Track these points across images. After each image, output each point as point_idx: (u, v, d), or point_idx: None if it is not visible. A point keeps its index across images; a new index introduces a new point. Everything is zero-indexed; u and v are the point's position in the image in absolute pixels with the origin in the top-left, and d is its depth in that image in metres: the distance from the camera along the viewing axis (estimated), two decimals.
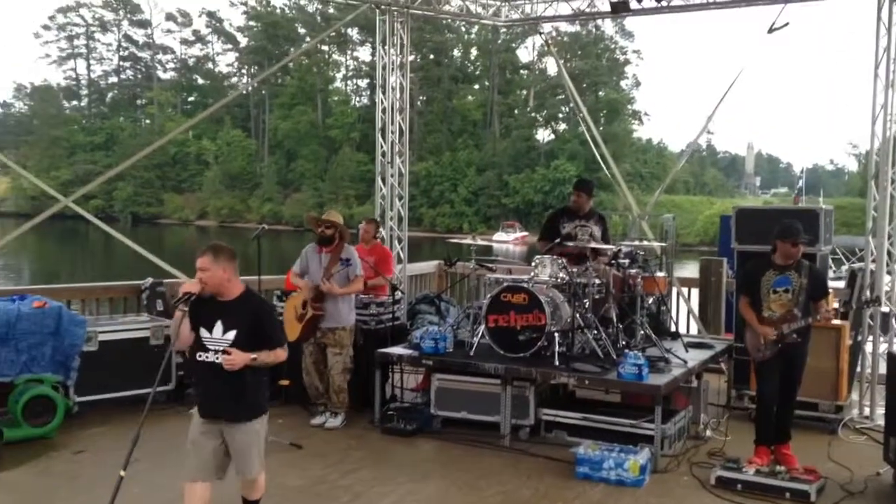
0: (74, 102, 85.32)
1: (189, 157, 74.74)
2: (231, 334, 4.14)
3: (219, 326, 4.15)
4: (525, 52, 73.92)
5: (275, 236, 48.81)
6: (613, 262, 7.10)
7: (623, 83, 70.60)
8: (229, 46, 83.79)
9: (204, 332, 4.18)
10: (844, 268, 15.68)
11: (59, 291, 7.82)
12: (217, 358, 4.14)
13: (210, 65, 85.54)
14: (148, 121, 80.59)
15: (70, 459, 6.04)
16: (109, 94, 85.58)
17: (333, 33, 69.47)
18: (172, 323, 4.33)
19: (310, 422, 6.97)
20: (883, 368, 7.41)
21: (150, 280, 8.16)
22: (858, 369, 7.50)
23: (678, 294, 9.23)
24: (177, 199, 74.49)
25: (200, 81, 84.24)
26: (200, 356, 4.21)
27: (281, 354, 4.26)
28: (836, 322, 6.81)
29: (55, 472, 5.77)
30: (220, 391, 4.18)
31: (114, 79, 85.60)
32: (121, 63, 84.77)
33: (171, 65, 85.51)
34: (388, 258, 8.32)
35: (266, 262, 6.92)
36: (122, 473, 3.95)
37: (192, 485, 4.24)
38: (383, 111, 9.31)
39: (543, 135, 69.63)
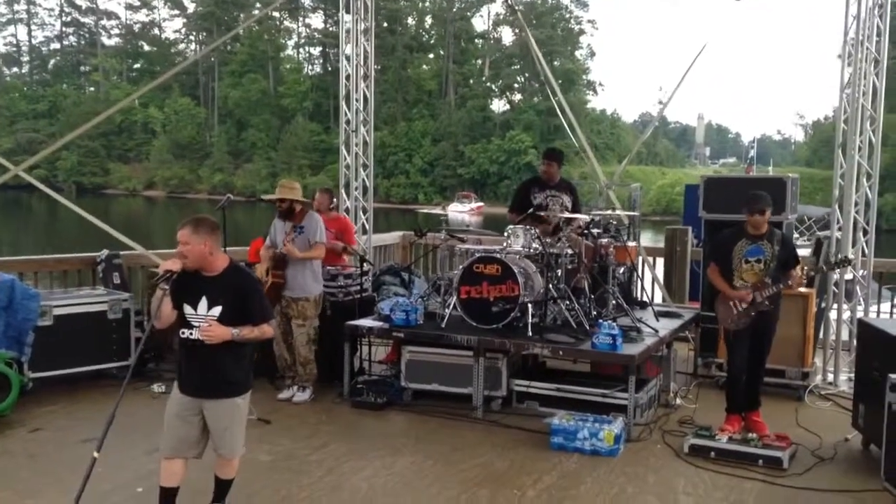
0: (15, 69, 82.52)
1: (136, 126, 72.95)
2: (216, 310, 3.99)
3: (203, 302, 4.00)
4: (480, 21, 73.84)
5: (228, 208, 47.99)
6: (586, 232, 7.03)
7: (578, 53, 70.81)
8: (176, 12, 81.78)
9: (188, 309, 4.02)
10: (794, 235, 15.94)
11: (9, 264, 7.49)
12: (201, 336, 4.00)
13: (156, 31, 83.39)
14: (92, 88, 78.35)
15: (27, 438, 5.79)
16: (52, 61, 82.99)
17: None
18: (153, 301, 4.14)
19: (277, 396, 6.82)
20: (845, 335, 7.55)
21: (105, 252, 7.86)
22: (822, 336, 7.59)
23: (643, 263, 9.23)
24: (123, 169, 72.75)
25: (147, 48, 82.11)
26: (184, 333, 4.06)
27: (267, 331, 4.13)
28: (803, 290, 6.89)
29: (12, 452, 5.53)
30: (203, 367, 4.05)
31: (56, 45, 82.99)
32: (63, 29, 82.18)
33: (116, 31, 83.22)
34: (349, 229, 8.15)
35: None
36: (96, 455, 3.80)
37: (170, 461, 4.12)
38: (347, 78, 9.05)
39: (499, 105, 69.64)
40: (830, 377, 7.44)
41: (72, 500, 3.87)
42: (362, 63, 9.06)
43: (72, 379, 6.85)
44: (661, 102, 68.64)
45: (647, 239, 19.12)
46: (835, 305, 7.55)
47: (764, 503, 4.90)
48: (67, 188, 67.03)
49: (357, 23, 9.04)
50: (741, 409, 6.07)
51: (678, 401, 6.82)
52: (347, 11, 9.04)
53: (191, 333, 4.04)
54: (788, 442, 5.61)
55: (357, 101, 9.02)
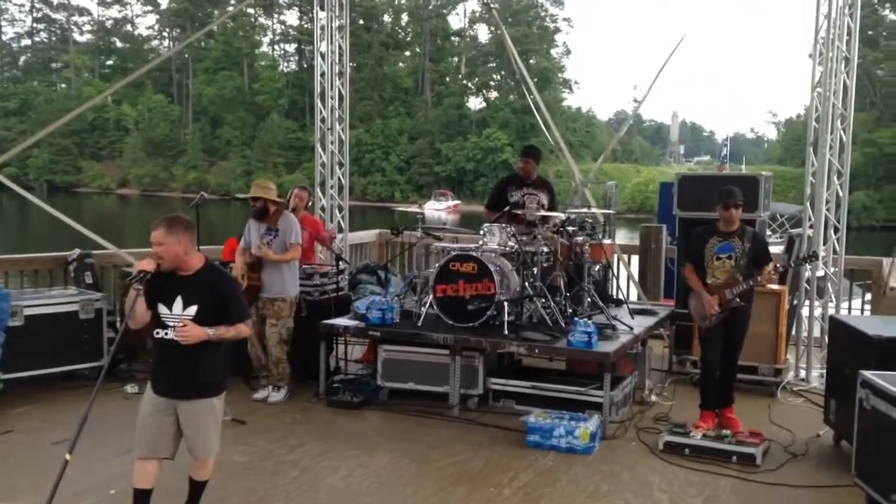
0: None
1: (108, 124, 72.04)
2: (192, 309, 3.95)
3: (178, 302, 3.95)
4: (456, 19, 73.79)
5: (201, 206, 47.59)
6: (561, 230, 7.05)
7: (553, 51, 70.98)
8: (149, 8, 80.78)
9: (163, 309, 3.97)
10: (767, 233, 16.12)
11: None
12: (175, 335, 3.96)
13: (129, 27, 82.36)
14: (64, 85, 77.27)
15: None
16: (22, 58, 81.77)
17: None
18: (127, 301, 4.09)
19: (252, 396, 6.77)
20: (817, 331, 7.64)
21: (77, 251, 7.76)
22: (795, 332, 7.67)
23: (619, 261, 9.29)
24: (95, 167, 71.86)
25: (119, 44, 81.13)
26: (159, 333, 4.01)
27: (244, 330, 4.09)
28: (775, 287, 6.95)
29: None
30: (177, 367, 4.00)
31: (27, 41, 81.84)
32: (34, 25, 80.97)
33: (88, 27, 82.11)
34: (320, 228, 8.15)
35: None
36: (68, 457, 3.75)
37: (143, 462, 4.08)
38: (322, 75, 9.00)
39: (475, 103, 69.65)
40: (803, 374, 7.53)
41: (44, 503, 3.82)
42: (337, 60, 9.01)
43: (44, 380, 6.76)
44: (636, 100, 69.13)
45: (622, 237, 19.21)
46: (807, 302, 7.64)
47: (738, 499, 4.94)
48: (38, 186, 66.12)
49: (332, 20, 8.98)
50: (715, 406, 6.11)
51: (653, 398, 6.87)
52: (322, 8, 8.99)
53: (165, 333, 4.00)
54: (762, 438, 5.67)
55: (332, 98, 8.98)
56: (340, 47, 9.09)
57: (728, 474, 5.27)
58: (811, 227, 7.45)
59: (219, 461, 5.26)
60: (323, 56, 8.99)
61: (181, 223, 4.00)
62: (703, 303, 5.94)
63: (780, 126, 73.77)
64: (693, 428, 5.80)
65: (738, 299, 5.87)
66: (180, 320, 3.94)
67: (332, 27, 8.93)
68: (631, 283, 9.30)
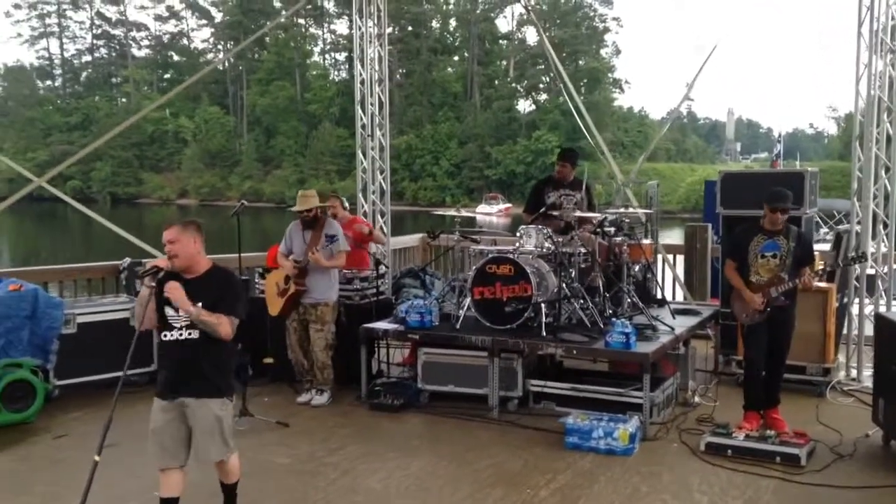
0: (48, 82, 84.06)
1: (167, 136, 73.91)
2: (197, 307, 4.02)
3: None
4: (504, 22, 73.76)
5: (256, 213, 48.53)
6: (599, 230, 7.02)
7: (603, 51, 70.44)
8: (204, 22, 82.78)
9: (170, 311, 4.05)
10: (823, 231, 15.72)
11: (35, 274, 7.66)
12: (181, 335, 4.03)
13: (185, 41, 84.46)
14: (124, 99, 79.49)
15: (51, 444, 5.93)
16: (84, 74, 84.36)
17: (309, 6, 68.58)
18: (138, 300, 4.18)
19: (296, 399, 6.89)
20: (869, 330, 7.42)
21: (128, 260, 8.01)
22: (845, 331, 7.49)
23: (664, 261, 9.19)
24: (156, 179, 73.76)
25: (176, 58, 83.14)
26: (166, 336, 4.08)
27: (224, 324, 3.98)
28: (823, 285, 6.81)
29: (36, 457, 5.67)
30: (182, 367, 4.05)
31: (87, 57, 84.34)
32: (94, 41, 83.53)
33: (146, 42, 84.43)
34: (357, 221, 8.23)
35: (248, 240, 6.82)
36: (97, 458, 3.85)
37: (165, 473, 4.14)
38: (362, 83, 9.13)
39: (524, 105, 69.51)
40: (854, 373, 7.33)
41: None
42: (376, 67, 9.12)
43: (96, 385, 6.97)
44: (689, 99, 68.09)
45: (675, 236, 18.96)
46: (856, 300, 7.45)
47: (779, 500, 4.85)
48: (102, 199, 68.30)
49: (371, 27, 9.10)
50: (759, 406, 6.02)
51: (697, 399, 6.77)
52: (361, 16, 9.11)
53: (171, 335, 4.06)
54: (807, 439, 5.55)
55: (372, 105, 9.08)
56: (380, 54, 9.19)
57: (771, 475, 5.18)
58: (859, 222, 7.26)
59: (262, 462, 5.45)
60: (362, 63, 9.11)
61: (194, 224, 4.14)
62: (745, 300, 5.85)
63: (840, 121, 71.77)
64: (736, 429, 5.72)
65: (782, 297, 5.78)
66: (186, 321, 4.01)
67: (371, 35, 9.04)
68: (677, 284, 9.20)
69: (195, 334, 4.03)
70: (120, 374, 3.99)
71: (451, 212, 7.62)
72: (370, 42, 9.14)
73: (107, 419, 3.88)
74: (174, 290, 3.95)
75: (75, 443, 5.87)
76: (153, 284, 3.98)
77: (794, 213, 6.66)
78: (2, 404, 6.14)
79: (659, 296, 7.94)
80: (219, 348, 4.09)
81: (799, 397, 6.73)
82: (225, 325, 3.98)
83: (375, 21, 9.15)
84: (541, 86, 67.68)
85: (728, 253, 6.27)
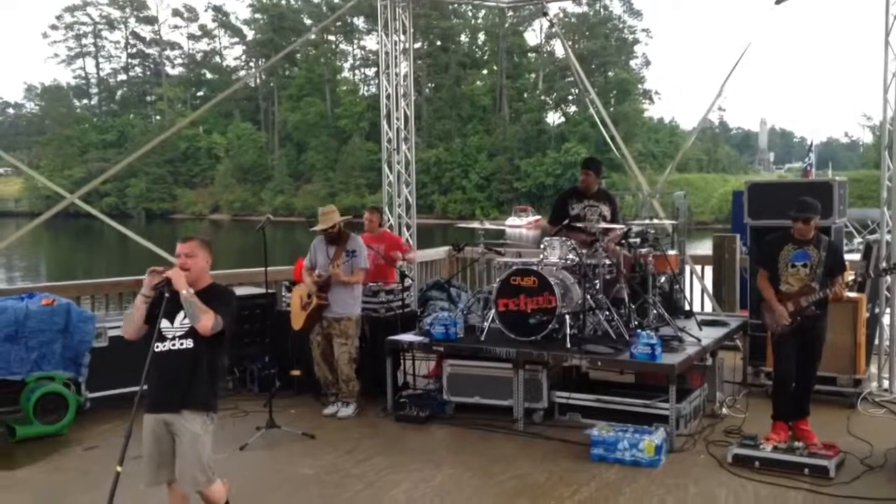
0: (85, 101, 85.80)
1: (200, 152, 74.95)
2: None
3: (181, 315, 4.07)
4: (533, 35, 73.55)
5: (288, 228, 48.91)
6: (623, 241, 7.00)
7: (633, 63, 70.17)
8: (236, 40, 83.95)
9: (165, 323, 4.08)
10: (857, 241, 15.49)
11: (67, 288, 7.80)
12: (174, 345, 4.07)
13: (218, 59, 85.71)
14: (158, 117, 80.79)
15: (82, 456, 6.04)
16: (119, 92, 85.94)
17: (339, 22, 69.28)
18: (134, 309, 4.21)
19: (322, 412, 6.94)
20: None
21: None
22: (876, 342, 7.38)
23: (691, 272, 9.12)
24: (189, 194, 74.76)
25: (209, 76, 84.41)
26: (158, 347, 4.08)
27: (209, 315, 3.96)
28: (853, 295, 6.72)
29: (67, 469, 5.78)
30: (171, 378, 4.06)
31: (123, 76, 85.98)
32: (129, 60, 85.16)
33: (179, 60, 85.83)
34: (398, 241, 8.32)
35: (279, 254, 6.90)
36: (119, 469, 3.90)
37: (169, 490, 4.20)
38: (388, 97, 9.22)
39: (553, 118, 69.36)
40: (885, 384, 7.22)
41: None
42: (402, 82, 9.21)
43: (128, 398, 7.05)
44: (720, 108, 67.52)
45: (706, 247, 18.79)
46: (888, 310, 7.34)
47: None
48: (137, 214, 69.35)
49: (397, 43, 9.20)
50: (788, 417, 5.95)
51: (725, 410, 6.71)
52: (387, 32, 9.21)
53: (163, 346, 4.07)
54: (836, 450, 5.47)
55: (398, 119, 9.17)
56: (406, 70, 9.29)
57: (799, 487, 5.12)
58: (889, 232, 7.16)
59: (288, 473, 5.51)
60: (388, 79, 9.20)
61: (209, 243, 4.25)
62: (774, 311, 5.81)
63: (875, 129, 70.67)
64: (764, 440, 5.65)
65: (813, 307, 5.72)
66: (179, 331, 4.06)
67: (396, 50, 9.14)
68: (705, 295, 9.12)
69: (188, 344, 4.06)
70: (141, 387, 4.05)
71: (475, 224, 7.65)
72: (396, 57, 9.24)
73: (126, 430, 3.94)
74: (177, 274, 4.01)
75: (106, 454, 5.95)
76: (168, 295, 4.02)
77: (823, 223, 6.58)
78: (35, 416, 6.28)
79: (686, 307, 7.88)
80: (208, 361, 4.11)
81: (829, 408, 6.64)
82: (210, 316, 3.96)
83: (401, 36, 9.25)
84: (570, 98, 67.55)
85: (759, 262, 6.22)
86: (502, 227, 7.23)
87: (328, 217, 6.90)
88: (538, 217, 52.97)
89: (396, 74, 9.16)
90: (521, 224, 49.56)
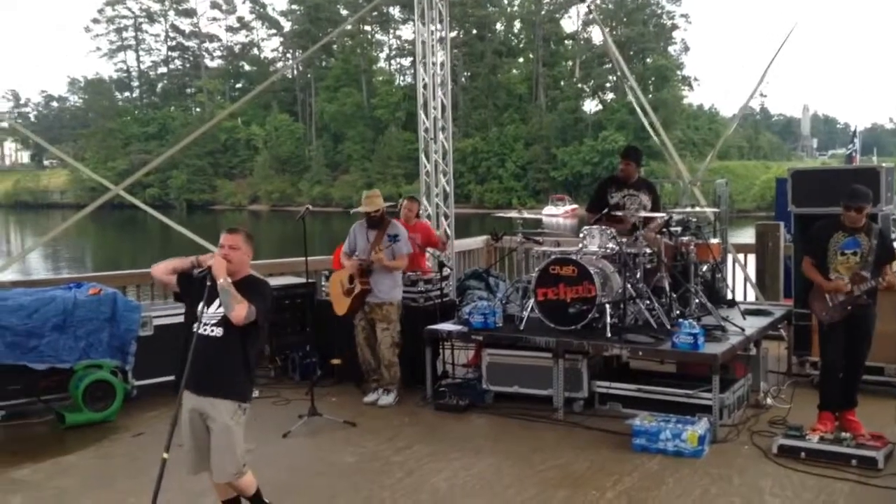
0: (126, 94, 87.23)
1: (239, 143, 75.78)
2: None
3: (217, 303, 4.13)
4: (569, 23, 73.04)
5: (325, 218, 49.27)
6: (664, 230, 6.92)
7: (671, 49, 69.28)
8: (273, 31, 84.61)
9: (203, 307, 4.15)
10: None
11: (113, 278, 7.95)
12: (206, 331, 4.13)
13: (255, 51, 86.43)
14: (198, 109, 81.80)
15: (130, 442, 6.16)
16: (159, 85, 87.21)
17: (375, 12, 69.37)
18: (179, 259, 4.34)
19: (363, 400, 6.99)
20: None
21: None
22: None
23: (734, 261, 9.00)
24: (229, 185, 75.66)
25: (247, 68, 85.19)
26: (195, 328, 4.16)
27: (243, 304, 4.00)
28: None
29: (116, 455, 5.91)
30: (203, 363, 4.11)
31: (163, 69, 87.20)
32: (169, 53, 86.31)
33: (218, 52, 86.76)
34: (432, 233, 8.31)
35: (317, 243, 6.95)
36: (166, 456, 3.99)
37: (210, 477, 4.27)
38: (424, 87, 9.21)
39: (590, 105, 68.83)
40: None
41: (168, 501, 4.11)
42: (439, 71, 9.20)
43: (173, 386, 7.19)
44: (762, 95, 66.37)
45: (748, 235, 18.52)
46: None
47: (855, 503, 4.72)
48: (179, 205, 70.39)
49: (434, 32, 9.19)
50: (835, 408, 5.85)
51: (769, 401, 6.61)
52: (423, 21, 9.20)
53: (201, 329, 4.14)
54: (885, 441, 5.37)
55: (435, 108, 9.16)
56: (443, 59, 9.27)
57: (846, 478, 5.04)
58: None
59: (329, 461, 5.58)
60: (425, 67, 9.19)
61: (252, 237, 4.32)
62: (824, 296, 5.71)
63: None
64: (810, 431, 5.57)
65: (864, 295, 5.62)
66: (216, 318, 4.13)
67: (432, 39, 9.12)
68: (748, 283, 9.00)
69: (217, 332, 4.12)
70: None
71: (513, 213, 7.62)
72: (433, 46, 9.23)
73: (172, 418, 4.02)
74: (219, 263, 4.07)
75: (153, 441, 6.04)
76: (197, 269, 4.19)
77: (870, 210, 6.44)
78: (84, 403, 6.42)
79: (728, 296, 7.78)
80: (240, 352, 4.16)
81: (876, 399, 6.49)
82: (243, 306, 4.00)
83: (438, 25, 9.23)
84: (607, 85, 66.92)
85: (806, 250, 6.11)
86: (539, 217, 7.17)
87: (373, 201, 6.91)
88: (575, 206, 52.66)
89: (433, 64, 9.14)
90: (557, 213, 49.35)
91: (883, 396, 6.62)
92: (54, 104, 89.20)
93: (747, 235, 18.70)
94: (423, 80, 9.16)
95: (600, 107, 67.47)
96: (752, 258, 9.25)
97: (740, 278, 9.19)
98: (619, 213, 7.06)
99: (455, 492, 5.06)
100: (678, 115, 61.93)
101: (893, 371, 6.70)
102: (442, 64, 9.25)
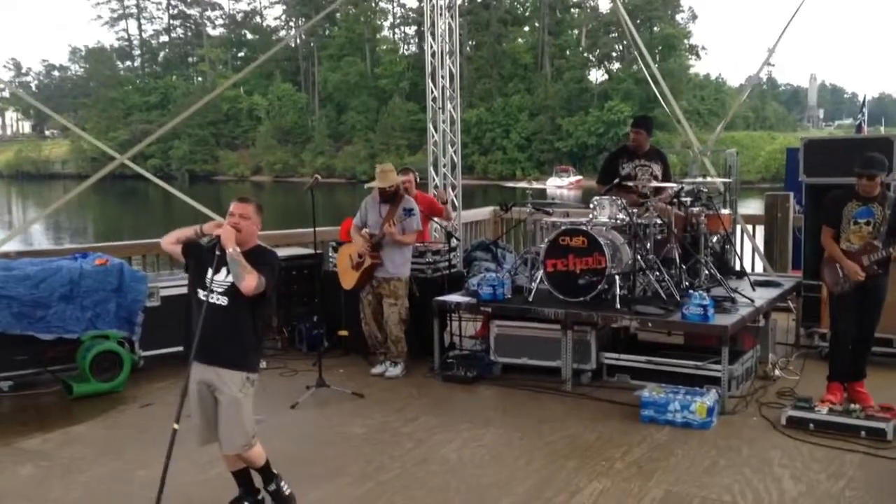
0: (128, 63, 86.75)
1: (241, 113, 75.35)
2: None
3: (224, 270, 4.08)
4: None
5: (328, 189, 49.15)
6: (675, 200, 6.86)
7: (679, 17, 68.53)
8: None
9: (210, 274, 4.09)
10: None
11: (119, 248, 7.92)
12: (211, 298, 4.08)
13: (258, 19, 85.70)
14: (200, 78, 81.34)
15: (138, 413, 6.17)
16: (161, 54, 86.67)
17: None
18: (183, 229, 4.30)
19: (370, 371, 6.99)
20: None
21: (209, 236, 8.18)
22: None
23: (742, 232, 8.94)
24: (231, 156, 75.43)
25: (249, 36, 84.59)
26: (202, 294, 4.11)
27: (252, 275, 3.96)
28: None
29: (125, 425, 5.91)
30: (213, 332, 4.06)
31: (165, 38, 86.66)
32: (171, 21, 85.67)
33: (220, 21, 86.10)
34: (432, 201, 8.19)
35: (321, 214, 6.86)
36: (176, 426, 3.98)
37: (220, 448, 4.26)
38: (433, 55, 9.10)
39: (596, 75, 68.29)
40: None
41: (178, 471, 4.12)
42: (447, 39, 9.07)
43: (180, 357, 7.18)
44: (769, 64, 65.73)
45: (754, 207, 18.44)
46: None
47: (865, 475, 4.70)
48: (180, 176, 70.24)
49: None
50: (844, 378, 5.83)
51: (777, 372, 6.61)
52: None
53: (208, 296, 4.09)
54: (894, 413, 5.35)
55: (443, 77, 9.05)
56: (451, 26, 9.14)
57: (856, 450, 5.03)
58: None
59: (338, 432, 5.57)
60: (433, 36, 9.07)
61: (261, 207, 4.27)
62: (836, 267, 5.67)
63: None
64: (819, 402, 5.55)
65: (875, 266, 5.57)
66: (223, 286, 4.08)
67: (440, 7, 8.99)
68: (756, 255, 8.95)
69: (223, 301, 4.08)
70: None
71: (522, 184, 7.55)
72: (440, 14, 9.09)
73: (182, 389, 4.00)
74: (228, 232, 4.02)
75: (161, 411, 6.07)
76: (203, 237, 4.16)
77: (884, 180, 6.38)
78: (91, 374, 6.41)
79: (738, 267, 7.74)
80: (246, 322, 4.13)
81: (884, 370, 6.50)
82: (253, 276, 3.97)
83: None
84: (613, 54, 66.37)
85: (823, 219, 6.03)
86: (543, 188, 7.20)
87: (388, 176, 6.82)
88: (579, 177, 52.46)
89: (442, 31, 9.01)
90: (562, 184, 49.13)
91: (891, 368, 6.62)
92: (56, 73, 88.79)
93: (752, 207, 18.64)
94: (432, 48, 9.04)
95: (606, 76, 66.96)
96: (759, 229, 9.19)
97: (748, 249, 9.14)
98: (631, 184, 6.99)
99: (465, 462, 5.06)
100: (685, 85, 61.42)
101: None
102: (450, 32, 9.11)
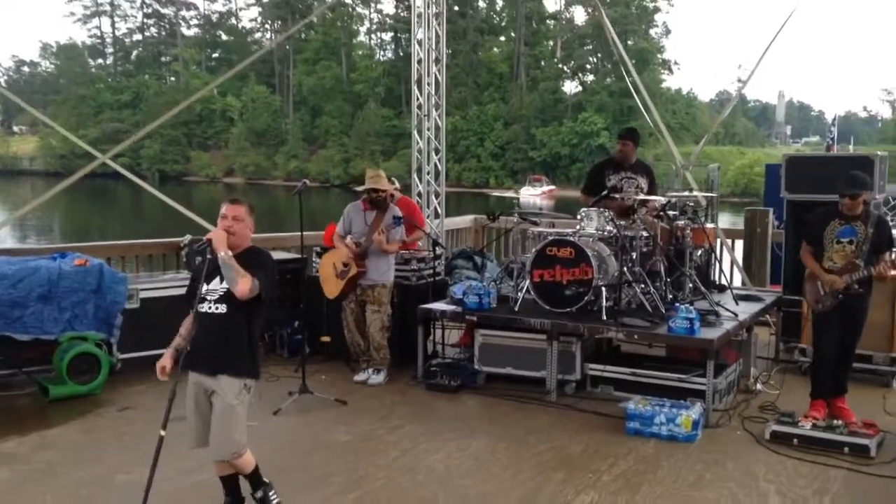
0: (100, 61, 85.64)
1: (214, 114, 74.70)
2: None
3: (218, 278, 4.03)
4: (552, 2, 72.68)
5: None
6: (661, 214, 6.90)
7: (653, 31, 69.27)
8: (252, 1, 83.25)
9: (205, 286, 4.05)
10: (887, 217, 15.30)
11: (98, 249, 7.78)
12: (210, 308, 4.03)
13: (233, 20, 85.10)
14: (173, 78, 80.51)
15: (116, 416, 6.04)
16: (134, 52, 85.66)
17: None
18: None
19: (353, 378, 6.92)
20: None
21: (188, 237, 8.09)
22: None
23: (722, 245, 9.02)
24: (203, 157, 74.70)
25: (224, 37, 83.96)
26: (200, 307, 4.06)
27: (246, 278, 3.90)
28: (893, 272, 6.60)
29: (102, 429, 5.78)
30: (207, 342, 4.03)
31: (138, 36, 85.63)
32: (145, 20, 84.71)
33: (195, 21, 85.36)
34: (414, 207, 8.15)
35: (296, 220, 6.80)
36: (163, 433, 3.89)
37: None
38: (419, 62, 9.07)
39: (570, 87, 68.74)
40: None
41: (162, 478, 4.04)
42: (433, 47, 9.05)
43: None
44: (740, 80, 66.65)
45: (724, 221, 18.66)
46: None
47: (849, 491, 4.75)
48: (151, 176, 69.31)
49: (429, 6, 9.03)
50: (826, 395, 5.88)
51: (759, 386, 6.66)
52: None
53: (203, 308, 4.05)
54: (876, 429, 5.41)
55: (429, 85, 9.03)
56: (437, 34, 9.12)
57: (839, 465, 5.08)
58: None
59: (322, 439, 5.50)
60: (419, 43, 9.05)
61: (253, 209, 4.22)
62: (817, 284, 5.71)
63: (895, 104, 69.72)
64: (802, 418, 5.59)
65: (856, 285, 5.62)
66: (218, 293, 4.02)
67: (428, 14, 8.97)
68: (735, 269, 9.03)
69: (221, 309, 4.03)
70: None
71: (496, 193, 7.55)
72: (429, 21, 9.06)
73: (170, 393, 3.91)
74: (220, 236, 3.97)
75: (140, 415, 5.97)
76: (209, 257, 4.01)
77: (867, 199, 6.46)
78: (68, 376, 6.28)
79: (720, 281, 7.80)
80: (244, 328, 4.07)
81: (864, 387, 6.58)
82: (247, 280, 3.90)
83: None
84: (588, 66, 66.93)
85: (804, 236, 6.08)
86: (518, 196, 7.23)
87: (380, 179, 6.77)
88: (552, 187, 52.76)
89: (429, 39, 8.99)
90: (535, 193, 49.33)
91: (871, 385, 6.70)
92: (25, 69, 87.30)
93: (723, 221, 18.83)
94: (419, 55, 9.02)
95: (580, 88, 67.45)
96: (738, 244, 9.27)
97: (727, 263, 9.21)
98: (618, 196, 7.01)
99: (451, 472, 5.02)
100: (657, 99, 61.97)
101: (882, 359, 6.76)
102: (437, 40, 9.10)
